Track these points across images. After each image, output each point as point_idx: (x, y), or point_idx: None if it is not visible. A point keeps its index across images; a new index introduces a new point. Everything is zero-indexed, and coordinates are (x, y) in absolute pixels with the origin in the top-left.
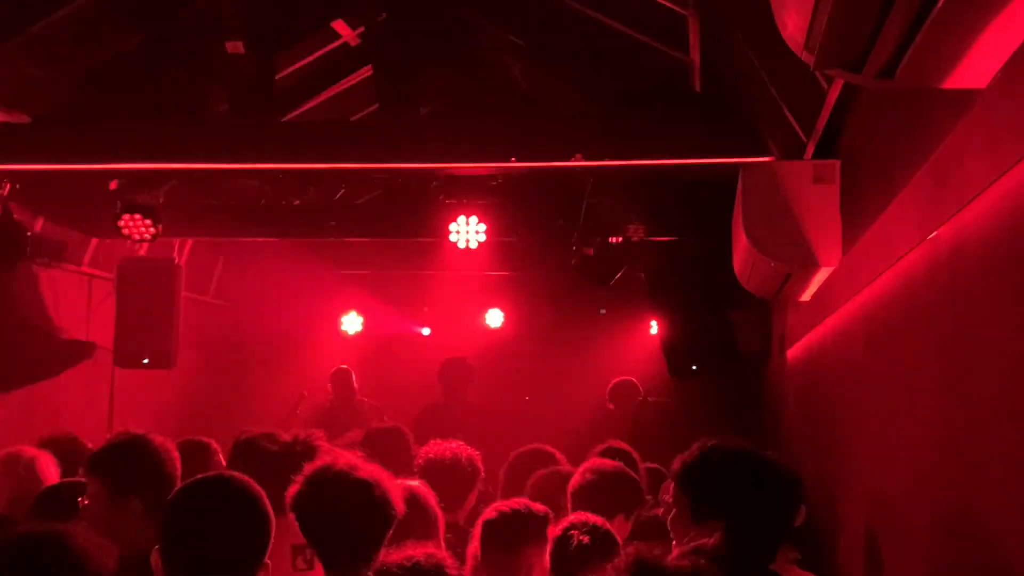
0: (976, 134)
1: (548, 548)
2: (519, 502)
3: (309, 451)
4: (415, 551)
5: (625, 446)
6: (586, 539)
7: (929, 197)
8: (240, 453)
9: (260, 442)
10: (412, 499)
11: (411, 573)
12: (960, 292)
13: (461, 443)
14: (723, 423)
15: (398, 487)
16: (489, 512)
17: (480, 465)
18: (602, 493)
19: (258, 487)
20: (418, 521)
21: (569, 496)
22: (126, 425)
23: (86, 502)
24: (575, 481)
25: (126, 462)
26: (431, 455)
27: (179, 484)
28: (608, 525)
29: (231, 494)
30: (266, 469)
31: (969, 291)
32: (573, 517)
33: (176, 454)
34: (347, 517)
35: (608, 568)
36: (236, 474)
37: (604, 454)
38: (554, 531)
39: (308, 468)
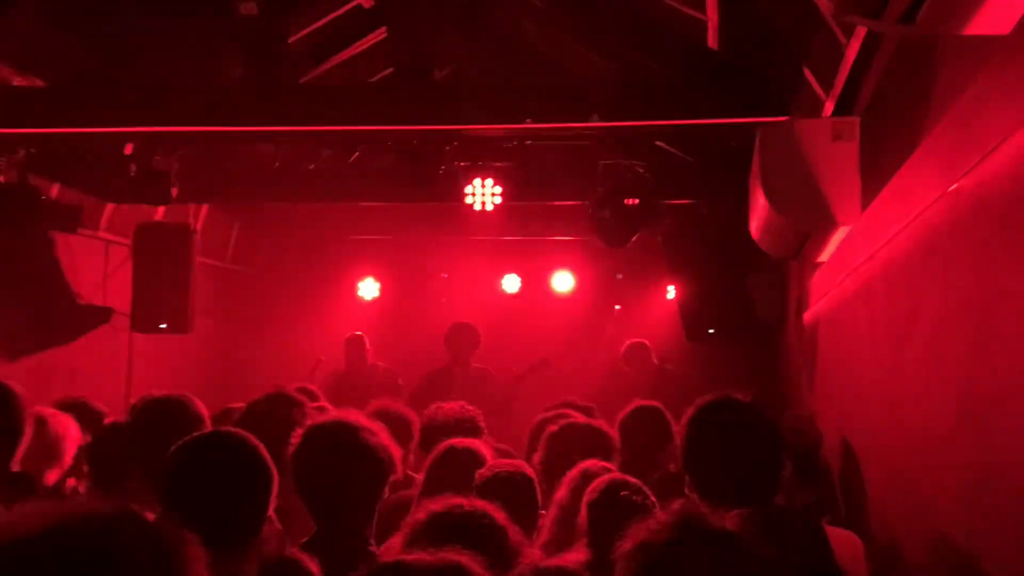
0: (999, 81)
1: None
2: (512, 464)
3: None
4: (458, 499)
5: (656, 403)
6: (626, 496)
7: (950, 148)
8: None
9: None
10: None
11: (462, 518)
12: (982, 245)
13: (462, 404)
14: (740, 388)
15: (397, 449)
16: (484, 471)
17: (482, 424)
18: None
19: (257, 441)
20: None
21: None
22: (144, 390)
23: None
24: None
25: (163, 423)
26: (432, 419)
27: None
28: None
29: (234, 447)
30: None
31: (992, 243)
32: (612, 475)
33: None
34: (343, 468)
35: (651, 521)
36: (235, 430)
37: (635, 414)
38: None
39: (308, 422)
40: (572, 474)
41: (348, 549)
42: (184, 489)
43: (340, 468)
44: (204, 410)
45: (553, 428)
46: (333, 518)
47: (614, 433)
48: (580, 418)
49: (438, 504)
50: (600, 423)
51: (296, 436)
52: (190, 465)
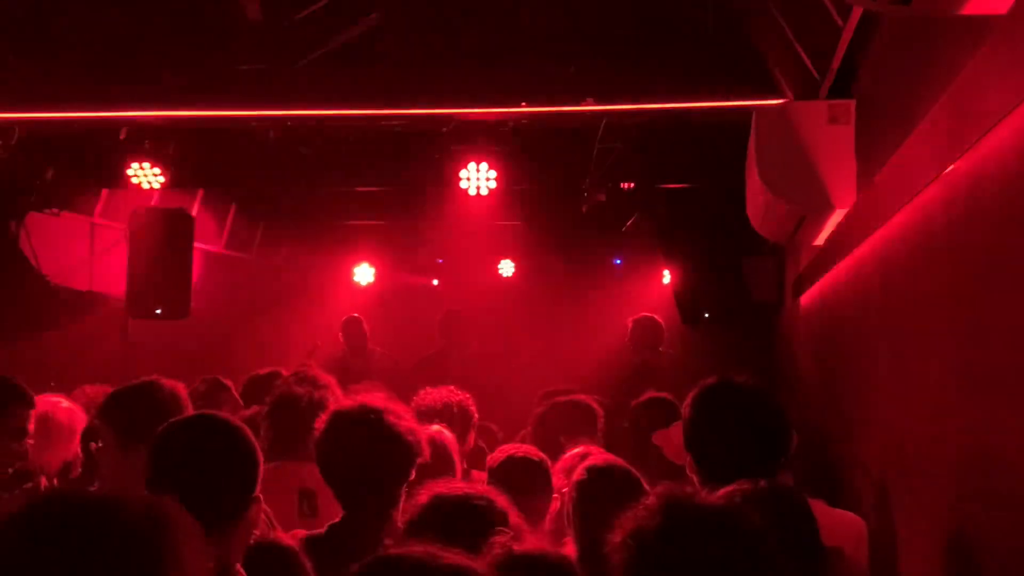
0: (996, 62)
1: (571, 492)
2: (523, 449)
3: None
4: (461, 483)
5: (668, 396)
6: (613, 481)
7: (946, 130)
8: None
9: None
10: (431, 443)
11: (464, 502)
12: (978, 227)
13: (452, 388)
14: (736, 371)
15: (425, 431)
16: (495, 455)
17: (473, 409)
18: None
19: (241, 424)
20: (438, 464)
21: None
22: (139, 375)
23: (99, 446)
24: None
25: (135, 409)
26: (422, 403)
27: None
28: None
29: (215, 429)
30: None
31: (988, 226)
32: (596, 459)
33: (186, 401)
34: (369, 452)
35: (639, 507)
36: (220, 413)
37: (648, 406)
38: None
39: (334, 406)
40: (571, 463)
41: (374, 533)
42: (161, 470)
43: (366, 453)
44: (180, 392)
45: (538, 409)
46: (360, 503)
47: (596, 407)
48: (562, 397)
49: (440, 486)
50: (582, 397)
51: (320, 421)
52: (168, 446)
